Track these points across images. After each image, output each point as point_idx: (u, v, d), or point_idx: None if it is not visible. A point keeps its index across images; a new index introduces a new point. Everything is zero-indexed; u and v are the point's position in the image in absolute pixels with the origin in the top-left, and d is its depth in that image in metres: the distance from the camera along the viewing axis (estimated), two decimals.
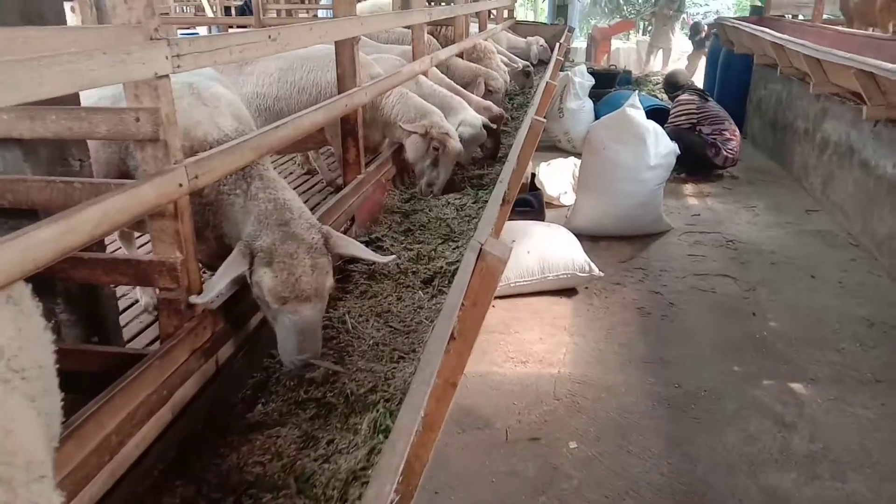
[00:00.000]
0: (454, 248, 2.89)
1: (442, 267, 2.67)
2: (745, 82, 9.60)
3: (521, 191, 6.28)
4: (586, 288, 4.85)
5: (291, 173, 5.22)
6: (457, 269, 2.63)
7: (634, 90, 11.19)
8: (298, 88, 3.69)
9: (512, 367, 3.90)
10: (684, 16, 13.86)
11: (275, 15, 9.77)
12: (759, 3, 10.57)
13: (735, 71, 9.73)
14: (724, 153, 7.10)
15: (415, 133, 3.53)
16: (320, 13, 12.68)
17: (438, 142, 3.66)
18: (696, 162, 7.17)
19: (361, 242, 2.87)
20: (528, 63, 7.05)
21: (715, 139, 7.11)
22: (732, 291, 4.81)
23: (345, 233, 2.86)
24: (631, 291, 4.83)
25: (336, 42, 2.91)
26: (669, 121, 7.39)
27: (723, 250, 5.54)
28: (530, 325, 4.38)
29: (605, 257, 5.39)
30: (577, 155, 8.39)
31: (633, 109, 5.51)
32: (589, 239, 5.71)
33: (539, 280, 4.69)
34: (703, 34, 13.63)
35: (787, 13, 9.70)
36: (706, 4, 21.39)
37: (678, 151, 5.69)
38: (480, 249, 1.46)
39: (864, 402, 3.56)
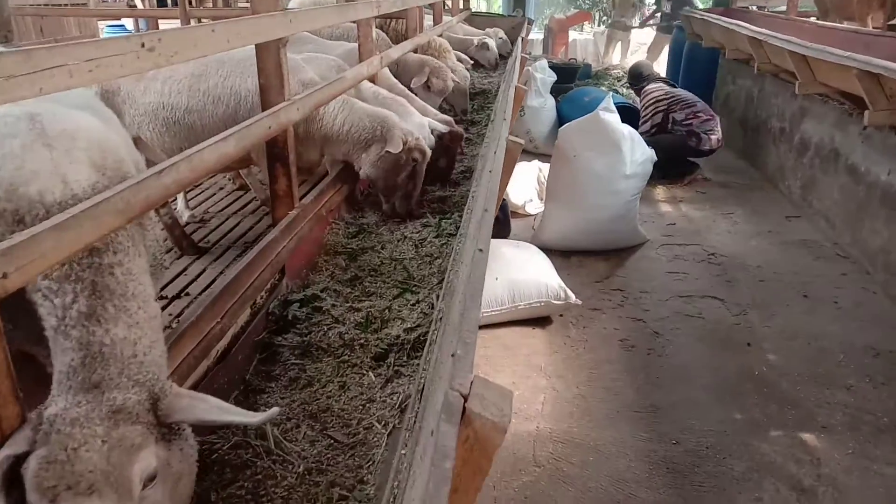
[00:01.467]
0: (413, 305, 2.30)
1: (398, 336, 2.08)
2: (711, 77, 9.21)
3: None
4: (561, 316, 4.31)
5: (222, 188, 4.55)
6: (418, 337, 2.07)
7: (597, 85, 10.77)
8: (213, 98, 3.04)
9: None
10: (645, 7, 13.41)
11: (211, 5, 8.99)
12: None
13: (700, 64, 9.33)
14: (709, 136, 6.62)
15: (391, 152, 2.97)
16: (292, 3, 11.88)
17: (417, 152, 3.10)
18: (678, 160, 6.73)
19: (295, 300, 2.29)
20: (484, 40, 6.65)
21: (691, 124, 6.64)
22: (721, 316, 4.33)
23: (272, 289, 2.25)
24: (611, 319, 4.31)
25: (257, 46, 2.28)
26: (642, 115, 6.92)
27: (705, 266, 5.07)
28: (501, 365, 3.82)
29: (578, 276, 4.87)
30: (541, 156, 7.92)
31: (607, 113, 4.99)
32: (559, 255, 5.19)
33: (510, 309, 4.14)
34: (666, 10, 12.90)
35: (753, 4, 9.33)
36: None
37: (655, 158, 5.19)
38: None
39: (887, 455, 3.10)
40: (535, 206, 6.23)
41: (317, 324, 2.11)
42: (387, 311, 2.22)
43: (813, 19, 8.31)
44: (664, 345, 4.01)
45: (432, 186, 3.55)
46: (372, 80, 3.69)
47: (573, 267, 5.05)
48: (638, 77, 7.62)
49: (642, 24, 14.04)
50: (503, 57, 7.51)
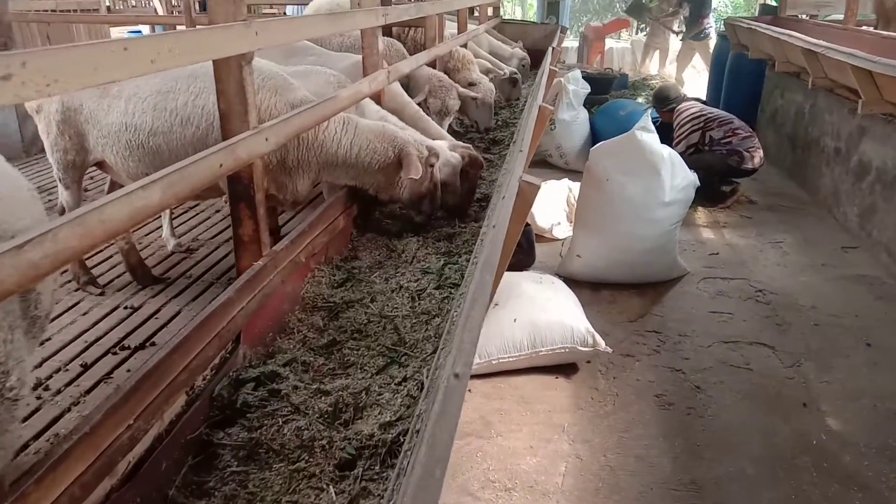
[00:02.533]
0: (400, 384, 1.85)
1: (372, 435, 1.63)
2: (757, 90, 8.63)
3: None
4: (588, 363, 3.83)
5: (218, 210, 4.17)
6: (397, 437, 1.62)
7: (634, 96, 10.22)
8: (181, 119, 2.65)
9: (493, 498, 2.87)
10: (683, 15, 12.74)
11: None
12: (773, 2, 9.57)
13: (745, 77, 8.76)
14: (752, 154, 6.10)
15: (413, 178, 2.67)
16: (289, 10, 11.58)
17: (433, 157, 2.83)
18: (720, 180, 6.24)
19: (249, 378, 1.86)
20: (514, 70, 6.04)
21: (730, 142, 6.12)
22: (772, 368, 3.81)
23: (222, 365, 1.82)
24: (645, 368, 3.81)
25: (214, 63, 1.86)
26: (676, 134, 6.41)
27: (752, 304, 4.53)
28: (517, 423, 3.35)
29: (609, 315, 4.38)
30: (572, 173, 7.42)
31: (645, 133, 4.49)
32: (588, 287, 4.72)
33: (529, 356, 3.67)
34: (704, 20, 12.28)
35: (803, 13, 8.71)
36: None
37: (697, 183, 4.68)
38: None
39: None
40: (564, 231, 5.74)
41: (271, 414, 1.68)
42: (364, 394, 1.78)
43: (870, 28, 7.69)
44: (706, 403, 3.50)
45: (444, 222, 3.11)
46: (377, 98, 3.26)
47: (603, 303, 4.56)
48: (664, 100, 7.03)
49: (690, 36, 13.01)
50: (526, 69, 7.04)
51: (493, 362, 3.64)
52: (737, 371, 3.78)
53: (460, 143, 3.59)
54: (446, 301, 2.25)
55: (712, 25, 12.56)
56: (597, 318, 4.28)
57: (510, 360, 3.66)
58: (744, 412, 3.43)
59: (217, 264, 3.39)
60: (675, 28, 13.07)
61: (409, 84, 3.99)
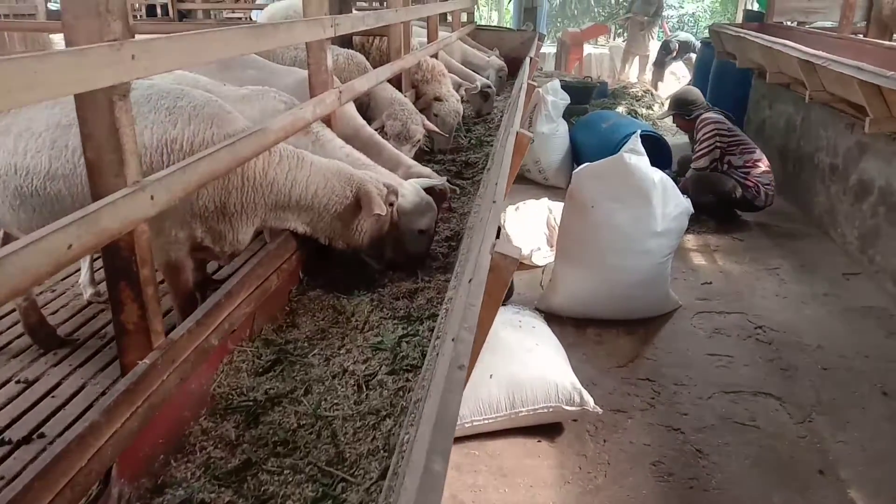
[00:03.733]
0: None
1: None
2: (742, 99, 8.26)
3: None
4: (575, 421, 3.36)
5: None
6: None
7: (614, 105, 9.82)
8: None
9: None
10: (662, 19, 12.48)
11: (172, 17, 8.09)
12: (758, 9, 9.21)
13: (730, 86, 8.40)
14: (767, 192, 5.74)
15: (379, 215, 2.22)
16: (255, 15, 11.03)
17: (393, 196, 2.35)
18: (725, 208, 5.84)
19: None
20: (487, 82, 5.57)
21: (748, 173, 5.72)
22: (781, 425, 3.37)
23: None
24: (639, 427, 3.35)
25: (76, 98, 1.36)
26: (699, 147, 5.93)
27: (753, 344, 4.10)
28: (493, 499, 2.87)
29: (597, 358, 3.93)
30: (552, 190, 6.98)
31: (634, 156, 4.04)
32: (573, 324, 4.27)
33: (508, 417, 3.19)
34: (674, 53, 12.79)
35: (791, 19, 8.35)
36: (680, 6, 20.15)
37: (691, 210, 4.23)
38: None
39: None
40: (545, 256, 5.28)
41: None
42: None
43: (859, 36, 7.34)
44: (710, 471, 3.05)
45: (401, 274, 2.62)
46: (328, 122, 2.76)
47: (590, 344, 4.10)
48: (685, 106, 6.33)
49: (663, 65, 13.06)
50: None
51: (467, 425, 3.15)
52: (742, 430, 3.33)
53: (426, 170, 3.12)
54: (400, 394, 1.77)
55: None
56: (583, 363, 3.84)
57: (486, 422, 3.18)
58: (754, 483, 2.98)
59: None
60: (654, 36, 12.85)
61: (369, 104, 3.50)
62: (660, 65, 12.88)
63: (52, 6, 12.68)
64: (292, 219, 2.48)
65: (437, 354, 1.41)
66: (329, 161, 2.58)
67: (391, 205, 2.50)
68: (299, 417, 1.74)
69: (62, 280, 3.46)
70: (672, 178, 4.32)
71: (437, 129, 3.75)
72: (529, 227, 5.51)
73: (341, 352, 2.02)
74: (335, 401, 1.79)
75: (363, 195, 2.48)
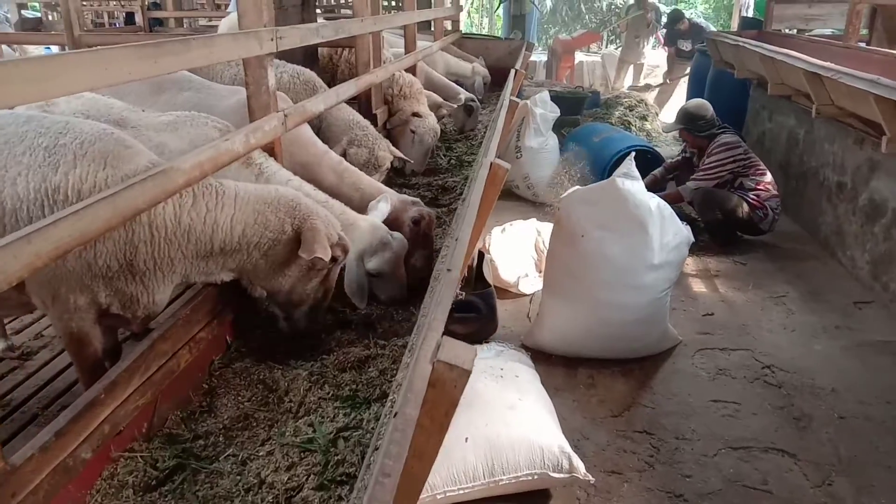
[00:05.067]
0: None
1: None
2: (740, 110, 7.92)
3: (462, 283, 4.41)
4: (564, 486, 2.95)
5: None
6: None
7: (607, 116, 9.45)
8: None
9: None
10: (660, 30, 12.01)
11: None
12: (753, 15, 8.86)
13: (727, 95, 8.04)
14: (775, 215, 5.40)
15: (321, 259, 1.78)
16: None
17: (339, 249, 1.94)
18: (728, 229, 5.47)
19: None
20: (471, 96, 5.17)
21: (759, 196, 5.36)
22: (798, 489, 2.97)
23: None
24: (636, 493, 2.95)
25: None
26: (714, 171, 5.52)
27: (761, 388, 3.71)
28: None
29: (588, 406, 3.53)
30: (541, 209, 6.59)
31: (628, 180, 3.64)
32: (562, 364, 3.90)
33: (486, 486, 2.78)
34: (683, 27, 11.21)
35: (791, 27, 8.00)
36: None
37: (692, 239, 3.84)
38: None
39: None
40: (532, 284, 4.88)
41: None
42: None
43: (862, 44, 6.99)
44: None
45: (355, 338, 2.21)
46: (271, 153, 2.36)
47: (580, 388, 3.70)
48: (696, 120, 5.76)
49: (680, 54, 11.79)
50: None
51: (440, 497, 2.74)
52: (753, 496, 2.93)
53: (409, 199, 2.72)
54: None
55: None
56: (573, 411, 3.45)
57: (461, 492, 2.76)
58: None
59: (57, 378, 2.45)
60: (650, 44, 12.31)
61: (320, 127, 3.09)
62: (671, 41, 11.51)
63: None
64: (217, 269, 2.08)
65: (370, 482, 1.02)
66: (267, 189, 2.17)
67: (334, 259, 2.10)
68: None
69: None
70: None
71: (403, 156, 3.34)
72: (516, 250, 5.10)
73: (262, 452, 1.62)
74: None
75: (307, 230, 2.07)
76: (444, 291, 1.27)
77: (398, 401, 1.01)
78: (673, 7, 11.75)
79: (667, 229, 3.68)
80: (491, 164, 2.25)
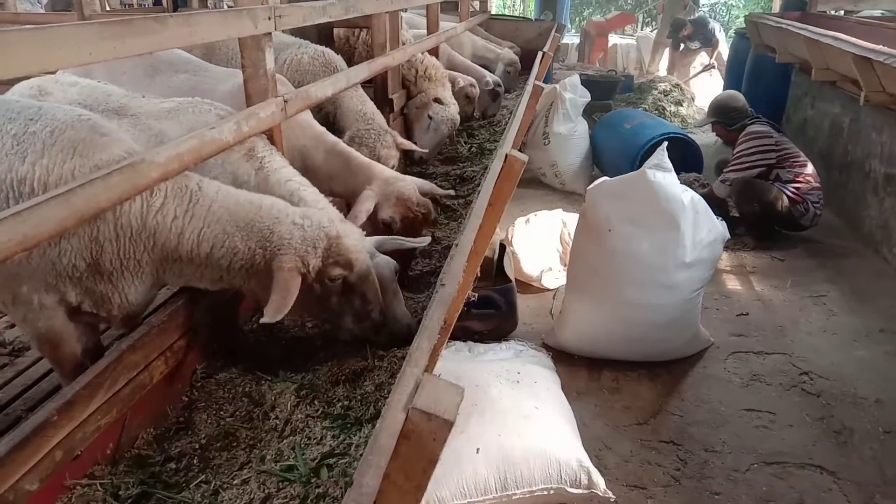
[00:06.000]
0: None
1: None
2: (781, 96, 7.55)
3: (481, 276, 4.20)
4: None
5: None
6: None
7: (640, 101, 9.14)
8: None
9: None
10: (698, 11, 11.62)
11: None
12: None
13: (767, 81, 7.67)
14: (816, 210, 5.10)
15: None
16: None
17: (336, 268, 1.74)
18: (768, 223, 5.20)
19: None
20: (497, 79, 4.95)
21: (798, 188, 5.07)
22: None
23: None
24: None
25: None
26: (746, 161, 5.23)
27: (798, 397, 3.46)
28: None
29: (611, 412, 3.33)
30: (569, 196, 6.35)
31: (659, 172, 3.40)
32: (585, 365, 3.70)
33: (497, 500, 2.61)
34: (686, 33, 11.52)
35: (837, 8, 7.58)
36: None
37: (727, 236, 3.59)
38: None
39: None
40: (556, 279, 4.67)
41: None
42: None
43: None
44: None
45: (352, 348, 2.03)
46: (272, 138, 2.18)
47: (603, 392, 3.49)
48: (728, 112, 5.56)
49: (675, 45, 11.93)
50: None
51: None
52: None
53: (415, 180, 2.50)
54: None
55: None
56: (595, 418, 3.26)
57: None
58: None
59: (46, 376, 2.32)
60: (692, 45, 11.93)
61: (335, 114, 2.91)
62: (675, 47, 11.83)
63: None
64: (197, 278, 1.90)
65: None
66: (247, 206, 1.95)
67: (332, 280, 1.90)
68: None
69: None
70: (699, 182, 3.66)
71: (413, 146, 3.14)
72: (540, 243, 4.88)
73: (237, 480, 1.45)
74: None
75: (276, 269, 1.85)
76: (433, 312, 1.08)
77: (359, 466, 0.83)
78: (675, 17, 11.66)
79: (700, 225, 3.43)
80: (506, 156, 2.04)
